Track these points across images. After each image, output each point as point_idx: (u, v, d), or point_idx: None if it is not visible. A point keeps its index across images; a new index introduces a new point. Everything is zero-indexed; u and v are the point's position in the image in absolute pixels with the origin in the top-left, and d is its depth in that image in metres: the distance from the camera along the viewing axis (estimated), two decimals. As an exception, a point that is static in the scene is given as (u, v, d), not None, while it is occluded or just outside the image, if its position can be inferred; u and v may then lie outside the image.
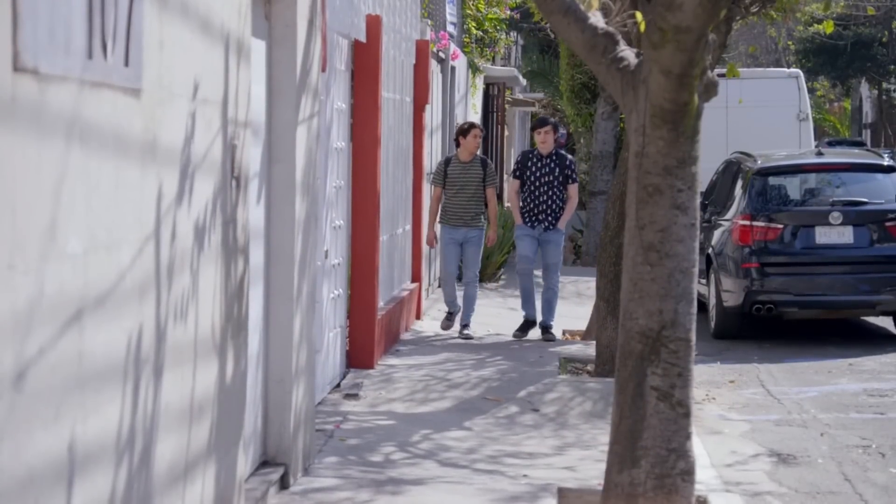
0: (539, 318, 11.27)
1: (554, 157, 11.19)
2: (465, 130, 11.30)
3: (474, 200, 11.21)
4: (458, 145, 11.30)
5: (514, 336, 11.18)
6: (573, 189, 11.20)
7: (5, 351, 3.01)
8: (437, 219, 11.38)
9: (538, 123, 11.39)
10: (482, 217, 11.32)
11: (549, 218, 11.15)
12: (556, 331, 11.47)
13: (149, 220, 4.05)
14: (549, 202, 11.13)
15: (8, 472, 3.04)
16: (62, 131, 3.33)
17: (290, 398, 6.35)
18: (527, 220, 11.20)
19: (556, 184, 11.13)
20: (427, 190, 12.87)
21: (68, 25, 3.31)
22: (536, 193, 11.14)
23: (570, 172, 11.18)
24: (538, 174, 11.15)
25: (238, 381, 5.28)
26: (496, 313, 13.03)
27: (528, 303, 11.32)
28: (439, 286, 11.78)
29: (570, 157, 11.29)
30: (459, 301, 11.44)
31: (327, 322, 8.61)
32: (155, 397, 4.13)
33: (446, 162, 11.35)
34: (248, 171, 5.45)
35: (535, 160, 11.22)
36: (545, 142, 11.19)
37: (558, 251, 11.22)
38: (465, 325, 11.26)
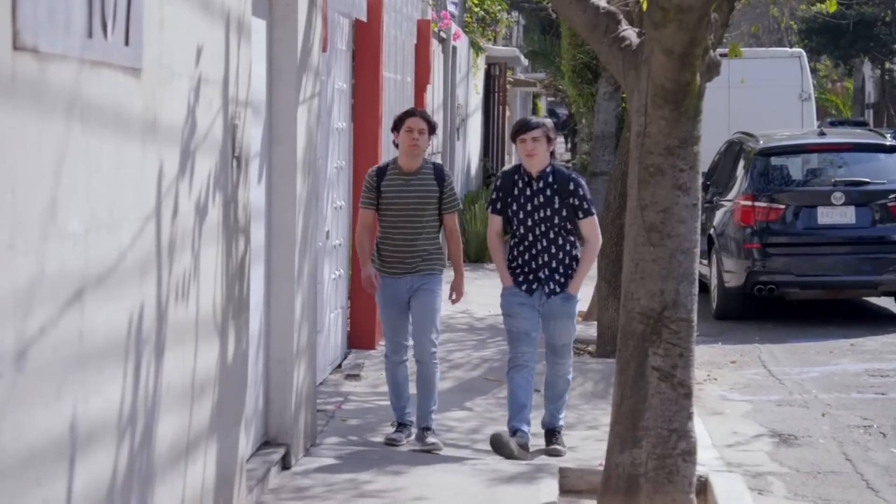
0: (544, 417, 7.06)
1: (549, 179, 6.81)
2: (398, 120, 7.06)
3: (425, 233, 6.97)
4: (396, 145, 7.14)
5: (493, 443, 6.71)
6: (588, 226, 6.84)
7: (6, 330, 3.01)
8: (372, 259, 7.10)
9: (521, 127, 6.86)
10: (439, 259, 7.08)
11: (555, 276, 6.84)
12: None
13: (149, 200, 4.05)
14: (551, 248, 6.83)
15: (10, 451, 3.04)
16: (62, 111, 3.32)
17: (291, 378, 6.35)
18: (520, 279, 6.88)
19: (556, 220, 6.80)
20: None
21: (68, 4, 3.30)
22: (529, 238, 6.84)
23: (577, 201, 6.79)
24: (527, 206, 6.83)
25: (239, 362, 5.29)
26: (495, 293, 13.01)
27: (516, 415, 6.85)
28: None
29: (574, 174, 6.95)
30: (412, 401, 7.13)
31: (328, 303, 8.61)
32: (156, 377, 4.14)
33: (379, 172, 7.05)
34: (248, 150, 5.44)
35: (521, 183, 6.86)
36: (534, 154, 6.77)
37: (570, 328, 6.92)
38: (425, 429, 6.96)
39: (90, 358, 3.55)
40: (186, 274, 4.46)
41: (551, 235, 6.83)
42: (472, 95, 19.91)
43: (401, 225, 6.97)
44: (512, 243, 6.95)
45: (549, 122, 7.04)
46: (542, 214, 6.83)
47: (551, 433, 6.97)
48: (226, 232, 5.02)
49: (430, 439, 6.93)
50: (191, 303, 4.53)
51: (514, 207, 6.87)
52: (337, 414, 7.56)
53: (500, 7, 18.80)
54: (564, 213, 6.81)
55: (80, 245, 3.45)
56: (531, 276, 6.85)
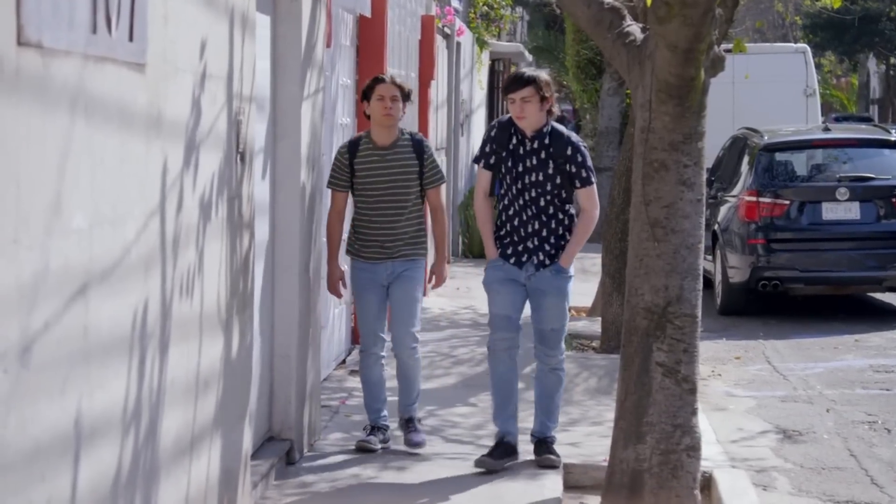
0: (533, 426, 6.40)
1: (546, 140, 6.12)
2: (367, 89, 6.41)
3: (407, 213, 6.38)
4: (367, 116, 6.49)
5: (477, 464, 6.20)
6: (586, 196, 6.16)
7: (11, 325, 3.02)
8: (346, 246, 6.60)
9: (510, 84, 6.16)
10: (422, 242, 6.46)
11: (545, 246, 6.15)
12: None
13: (154, 195, 4.05)
14: (542, 216, 6.14)
15: (14, 446, 3.04)
16: (66, 106, 3.32)
17: (295, 374, 6.36)
18: (509, 250, 6.19)
19: (548, 186, 6.12)
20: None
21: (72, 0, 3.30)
22: (519, 202, 6.15)
23: (575, 168, 6.11)
24: (518, 166, 6.13)
25: (243, 357, 5.29)
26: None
27: (503, 409, 6.33)
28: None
29: (573, 136, 6.22)
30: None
31: (332, 298, 8.61)
32: (160, 372, 4.14)
33: (351, 148, 6.43)
34: (252, 146, 5.44)
35: (516, 141, 6.16)
36: (523, 116, 6.08)
37: (561, 307, 6.21)
38: (409, 420, 6.51)
39: (94, 353, 3.55)
40: (191, 269, 4.46)
41: (542, 203, 6.11)
42: (477, 91, 19.90)
43: (379, 206, 6.34)
44: (500, 207, 6.24)
45: (543, 75, 6.21)
46: (532, 178, 6.10)
47: (542, 444, 6.26)
48: (230, 227, 5.03)
49: (414, 438, 6.42)
50: (195, 298, 4.53)
51: (509, 164, 6.14)
52: (341, 409, 7.56)
53: (504, 2, 18.78)
54: (558, 181, 6.09)
55: (85, 240, 3.46)
56: (520, 247, 6.14)
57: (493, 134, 6.23)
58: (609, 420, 6.45)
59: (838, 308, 12.45)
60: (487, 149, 6.24)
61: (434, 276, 6.51)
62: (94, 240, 3.52)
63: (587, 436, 7.08)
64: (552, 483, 6.06)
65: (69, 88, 3.32)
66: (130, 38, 3.74)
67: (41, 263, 3.18)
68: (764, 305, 12.35)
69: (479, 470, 6.20)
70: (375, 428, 6.54)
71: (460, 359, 9.20)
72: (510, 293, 6.19)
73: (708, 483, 6.12)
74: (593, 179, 6.19)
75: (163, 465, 4.18)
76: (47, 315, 3.22)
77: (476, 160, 6.35)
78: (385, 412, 6.58)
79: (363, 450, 6.45)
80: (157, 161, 4.07)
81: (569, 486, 6.19)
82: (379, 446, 6.49)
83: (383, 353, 6.51)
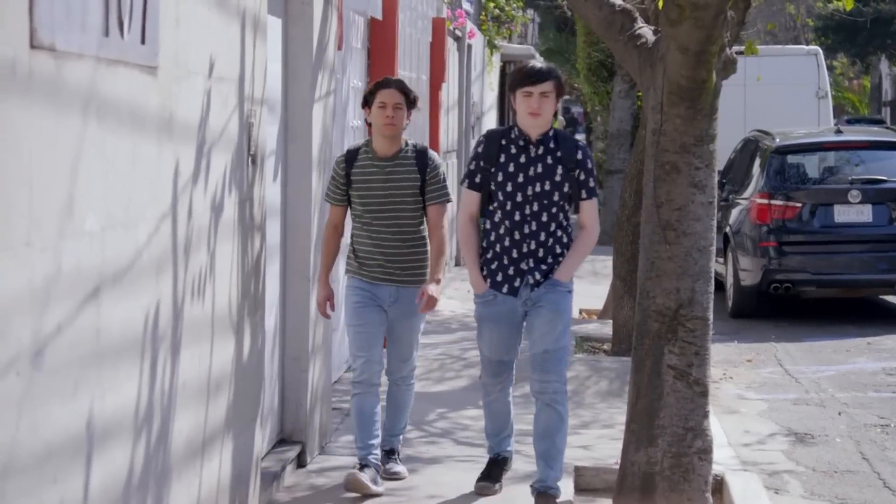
0: (537, 474, 5.70)
1: (551, 144, 5.51)
2: (368, 94, 5.87)
3: (408, 234, 5.82)
4: (368, 124, 5.99)
5: (478, 489, 5.85)
6: (590, 209, 5.55)
7: (24, 328, 3.02)
8: (346, 266, 6.02)
9: (528, 76, 5.44)
10: (427, 266, 5.88)
11: (542, 266, 5.49)
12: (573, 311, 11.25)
13: (165, 198, 4.05)
14: (540, 234, 5.50)
15: (27, 448, 3.05)
16: (79, 108, 3.33)
17: (306, 376, 6.36)
18: (499, 276, 5.53)
19: (556, 196, 5.50)
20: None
21: (84, 3, 3.30)
22: (515, 217, 5.47)
23: (584, 176, 5.51)
24: (519, 176, 5.48)
25: (255, 359, 5.30)
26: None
27: (498, 432, 5.99)
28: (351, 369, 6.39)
29: (581, 142, 5.64)
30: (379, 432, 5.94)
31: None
32: (172, 374, 4.14)
33: (349, 158, 5.88)
34: (264, 148, 5.45)
35: (514, 149, 5.51)
36: (539, 113, 5.45)
37: (556, 324, 5.47)
38: (390, 452, 6.08)
39: (106, 355, 3.55)
40: (202, 272, 4.47)
41: (544, 218, 5.45)
42: (488, 93, 19.91)
43: (376, 224, 5.78)
44: (488, 225, 5.55)
45: (558, 70, 5.68)
46: (537, 189, 5.45)
47: (543, 494, 5.57)
48: (241, 229, 5.03)
49: (395, 467, 6.00)
50: (206, 300, 4.54)
51: (500, 178, 5.46)
52: (352, 412, 7.56)
53: (515, 4, 18.80)
54: (566, 189, 5.47)
55: (97, 243, 3.46)
56: (511, 270, 5.48)
57: (480, 150, 5.55)
58: (620, 423, 6.44)
59: (850, 311, 12.42)
60: (473, 166, 5.56)
61: (422, 297, 5.72)
62: (107, 242, 3.53)
63: (598, 438, 7.07)
64: (564, 486, 6.05)
65: (81, 91, 3.33)
66: (142, 41, 3.74)
67: (53, 266, 3.18)
68: (775, 308, 12.32)
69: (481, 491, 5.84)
70: (364, 466, 5.79)
71: (471, 361, 9.19)
72: (504, 335, 5.58)
73: (719, 486, 6.11)
74: (597, 191, 5.63)
75: (174, 467, 4.19)
76: (59, 317, 3.23)
77: (461, 180, 5.72)
78: (377, 451, 5.89)
79: (352, 488, 5.71)
80: (168, 163, 4.08)
81: (580, 489, 6.18)
82: (377, 488, 5.76)
83: (378, 382, 5.89)
